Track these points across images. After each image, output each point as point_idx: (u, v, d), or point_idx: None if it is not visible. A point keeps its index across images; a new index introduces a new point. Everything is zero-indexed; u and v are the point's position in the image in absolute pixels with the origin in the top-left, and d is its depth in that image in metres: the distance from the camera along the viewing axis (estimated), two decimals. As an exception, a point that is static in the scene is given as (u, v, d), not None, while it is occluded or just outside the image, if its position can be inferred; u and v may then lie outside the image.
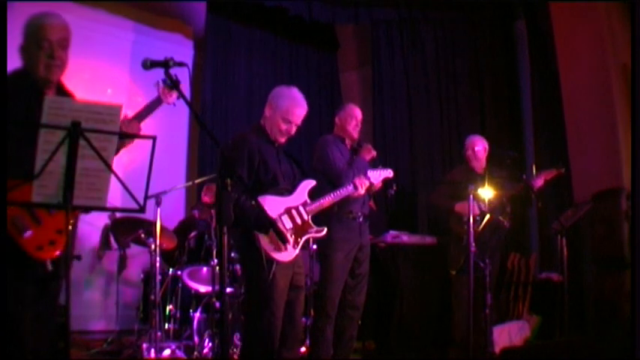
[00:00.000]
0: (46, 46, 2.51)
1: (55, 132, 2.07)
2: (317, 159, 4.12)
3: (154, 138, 2.23)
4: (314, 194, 3.52)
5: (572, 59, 5.75)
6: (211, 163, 6.16)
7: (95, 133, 2.13)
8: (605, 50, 5.49)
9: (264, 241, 3.17)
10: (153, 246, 4.45)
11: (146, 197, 2.25)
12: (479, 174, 4.96)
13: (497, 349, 4.58)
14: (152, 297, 4.42)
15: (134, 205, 2.21)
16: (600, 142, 5.45)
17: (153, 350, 4.31)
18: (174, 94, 2.74)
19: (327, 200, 3.62)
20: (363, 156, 4.17)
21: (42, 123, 2.07)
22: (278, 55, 7.23)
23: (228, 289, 4.47)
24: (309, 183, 3.48)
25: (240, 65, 6.86)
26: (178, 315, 4.81)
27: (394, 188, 4.37)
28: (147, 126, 2.73)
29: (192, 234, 5.27)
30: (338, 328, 4.06)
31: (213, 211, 4.86)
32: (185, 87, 2.57)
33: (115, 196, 2.29)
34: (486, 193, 4.52)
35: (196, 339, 4.52)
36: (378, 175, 4.01)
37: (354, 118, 4.25)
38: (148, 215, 3.18)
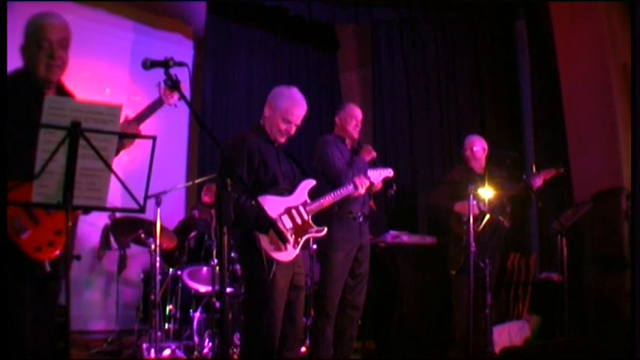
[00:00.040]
0: (46, 46, 2.51)
1: (55, 132, 2.07)
2: (317, 159, 4.12)
3: (154, 138, 2.23)
4: (314, 194, 3.52)
5: (572, 59, 5.75)
6: (211, 163, 6.16)
7: (95, 133, 2.13)
8: (605, 50, 5.49)
9: (264, 241, 3.17)
10: (153, 246, 4.45)
11: (146, 197, 2.25)
12: (478, 174, 4.96)
13: (497, 349, 4.58)
14: (152, 297, 4.42)
15: (134, 205, 2.21)
16: (600, 142, 5.45)
17: (153, 350, 4.31)
18: (176, 95, 2.74)
19: (327, 200, 3.62)
20: (363, 157, 4.17)
21: (42, 123, 2.07)
22: (278, 55, 7.23)
23: (228, 289, 4.47)
24: (309, 183, 3.48)
25: (240, 65, 6.86)
26: (178, 315, 4.81)
27: (394, 188, 4.37)
28: (147, 126, 2.72)
29: (192, 234, 5.27)
30: (338, 328, 4.06)
31: (213, 211, 4.86)
32: (185, 87, 2.57)
33: (115, 196, 2.29)
34: (486, 193, 4.52)
35: (196, 339, 4.52)
36: (378, 175, 4.01)
37: (354, 118, 4.24)
38: (148, 215, 3.18)
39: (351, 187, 3.78)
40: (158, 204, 4.42)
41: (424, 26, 6.89)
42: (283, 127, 3.36)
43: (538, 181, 4.83)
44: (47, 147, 2.07)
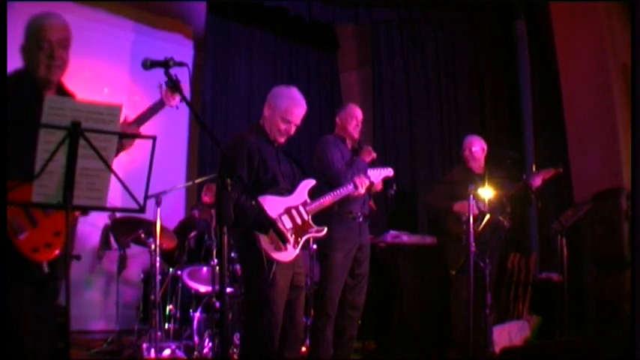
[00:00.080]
0: (46, 47, 2.52)
1: (55, 132, 2.07)
2: (317, 159, 4.12)
3: (154, 138, 2.23)
4: (314, 194, 3.52)
5: (572, 59, 5.75)
6: (211, 163, 6.16)
7: (95, 133, 2.13)
8: (605, 50, 5.49)
9: (264, 241, 3.17)
10: (153, 246, 4.45)
11: (146, 197, 2.25)
12: (477, 174, 4.96)
13: (497, 349, 4.58)
14: (152, 297, 4.42)
15: (134, 205, 2.21)
16: (600, 142, 5.45)
17: (153, 350, 4.30)
18: (177, 97, 2.74)
19: (327, 200, 3.62)
20: (363, 157, 4.17)
21: (42, 123, 2.07)
22: (278, 55, 7.23)
23: (228, 289, 4.47)
24: (309, 182, 3.48)
25: (240, 65, 6.86)
26: (178, 315, 4.81)
27: (394, 188, 4.37)
28: (147, 126, 2.72)
29: (192, 234, 5.27)
30: (338, 328, 4.05)
31: (213, 211, 4.86)
32: (185, 87, 2.57)
33: (115, 196, 2.29)
34: (486, 193, 4.52)
35: (196, 339, 4.52)
36: (379, 174, 4.00)
37: (354, 118, 4.24)
38: (148, 215, 3.18)
39: (351, 187, 3.78)
40: (158, 204, 4.41)
41: (424, 26, 6.89)
42: (283, 127, 3.36)
43: (537, 181, 4.83)
44: (47, 147, 2.07)
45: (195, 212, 5.55)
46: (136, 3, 6.47)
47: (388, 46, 6.97)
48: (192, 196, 6.49)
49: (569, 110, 5.77)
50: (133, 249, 5.38)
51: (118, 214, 4.97)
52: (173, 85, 2.55)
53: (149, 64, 2.43)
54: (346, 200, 3.90)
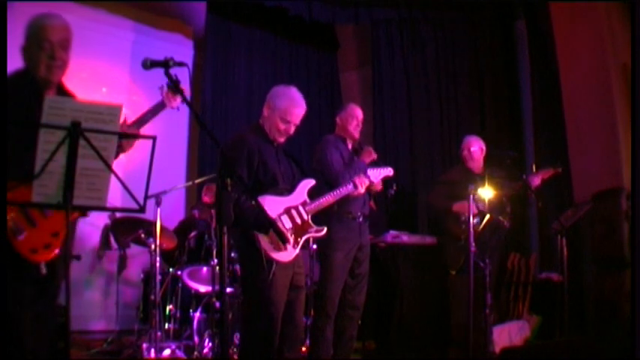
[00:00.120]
0: (46, 47, 2.52)
1: (55, 132, 2.07)
2: (316, 160, 4.12)
3: (154, 138, 2.23)
4: (313, 194, 3.52)
5: (572, 59, 5.75)
6: (211, 163, 6.16)
7: (95, 133, 2.13)
8: (605, 50, 5.49)
9: (263, 241, 3.17)
10: (153, 246, 4.45)
11: (146, 197, 2.25)
12: (476, 174, 4.97)
13: (497, 349, 4.58)
14: (152, 297, 4.42)
15: (134, 205, 2.21)
16: (600, 142, 5.45)
17: (153, 350, 4.31)
18: (178, 99, 2.74)
19: (326, 199, 3.61)
20: (362, 158, 4.17)
21: (42, 123, 2.07)
22: (278, 55, 7.23)
23: (228, 289, 4.47)
24: (309, 182, 3.48)
25: (240, 65, 6.86)
26: (178, 315, 4.81)
27: (394, 188, 4.36)
28: (147, 126, 2.73)
29: (192, 234, 5.27)
30: (338, 328, 4.05)
31: (213, 211, 4.86)
32: (185, 87, 2.57)
33: (115, 196, 2.29)
34: (486, 193, 4.52)
35: (196, 339, 4.52)
36: (378, 174, 4.00)
37: (355, 118, 4.24)
38: (148, 215, 3.18)
39: (350, 187, 3.77)
40: (158, 204, 4.41)
41: (424, 26, 6.89)
42: (282, 126, 3.36)
43: (536, 181, 4.84)
44: (47, 147, 2.07)
45: (195, 212, 5.55)
46: (136, 3, 6.47)
47: (388, 46, 6.97)
48: (192, 196, 6.49)
49: (569, 110, 5.77)
50: (133, 249, 5.38)
51: (118, 214, 4.97)
52: (174, 87, 2.55)
53: (149, 64, 2.43)
54: (346, 200, 3.90)
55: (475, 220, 4.03)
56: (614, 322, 4.72)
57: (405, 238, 5.44)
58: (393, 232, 5.40)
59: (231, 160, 3.16)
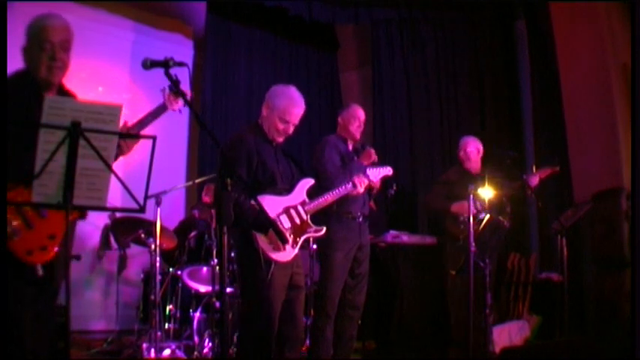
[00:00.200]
0: (47, 48, 2.52)
1: (55, 132, 2.07)
2: (315, 160, 4.12)
3: (154, 138, 2.23)
4: (313, 193, 3.51)
5: (572, 59, 5.75)
6: (211, 163, 6.16)
7: (95, 133, 2.13)
8: (605, 50, 5.50)
9: (262, 241, 3.16)
10: (153, 246, 4.45)
11: (146, 197, 2.25)
12: (474, 174, 4.97)
13: (497, 349, 4.57)
14: (152, 297, 4.42)
15: (134, 205, 2.21)
16: (600, 142, 5.45)
17: (153, 350, 4.30)
18: (180, 101, 2.74)
19: (325, 199, 3.61)
20: (362, 160, 4.16)
21: (42, 123, 2.07)
22: (278, 55, 7.23)
23: (228, 289, 4.47)
24: (308, 182, 3.47)
25: (240, 65, 6.86)
26: (178, 315, 4.81)
27: (394, 188, 4.37)
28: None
29: (192, 234, 5.27)
30: (338, 328, 4.05)
31: (213, 211, 4.86)
32: (185, 87, 2.56)
33: (115, 196, 2.29)
34: (486, 193, 4.53)
35: (196, 339, 4.52)
36: (378, 173, 3.99)
37: (356, 118, 4.24)
38: (148, 215, 3.18)
39: (349, 186, 3.77)
40: (158, 204, 4.41)
41: (424, 26, 6.89)
42: (281, 126, 3.35)
43: (534, 180, 4.85)
44: (47, 147, 2.07)
45: (195, 212, 5.55)
46: (136, 3, 6.47)
47: (388, 46, 6.97)
48: (192, 196, 6.49)
49: (569, 110, 5.77)
50: (133, 249, 5.37)
51: (118, 214, 4.97)
52: (176, 90, 2.55)
53: (149, 64, 2.43)
54: (346, 200, 3.89)
55: (475, 220, 4.03)
56: (614, 322, 4.72)
57: (405, 238, 5.44)
58: (393, 232, 5.40)
59: (230, 159, 3.16)
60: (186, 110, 2.75)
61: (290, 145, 3.58)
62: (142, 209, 2.23)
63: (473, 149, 5.10)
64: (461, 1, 6.64)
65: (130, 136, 2.54)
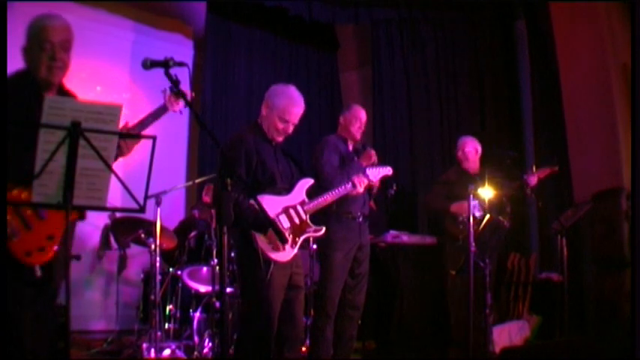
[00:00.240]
0: (47, 48, 2.52)
1: (55, 132, 2.07)
2: (314, 160, 4.12)
3: (154, 138, 2.23)
4: (312, 193, 3.51)
5: (572, 59, 5.75)
6: (211, 163, 6.16)
7: (95, 133, 2.13)
8: (605, 50, 5.50)
9: (261, 240, 3.15)
10: (153, 246, 4.45)
11: (146, 197, 2.25)
12: (472, 175, 4.97)
13: (497, 349, 4.58)
14: (152, 297, 4.42)
15: (134, 205, 2.21)
16: (600, 142, 5.45)
17: (153, 350, 4.30)
18: (181, 103, 2.74)
19: (325, 199, 3.60)
20: (361, 161, 4.15)
21: (42, 123, 2.07)
22: (278, 55, 7.23)
23: (228, 289, 4.47)
24: (307, 182, 3.46)
25: (240, 65, 6.86)
26: (178, 315, 4.81)
27: (394, 188, 4.36)
28: (147, 126, 2.72)
29: (192, 234, 5.27)
30: (338, 328, 4.05)
31: (213, 211, 4.86)
32: (185, 87, 2.56)
33: (115, 196, 2.29)
34: (486, 193, 4.53)
35: (196, 339, 4.52)
36: (377, 173, 3.99)
37: (358, 119, 4.24)
38: (148, 215, 3.18)
39: (349, 186, 3.76)
40: (158, 204, 4.41)
41: (424, 26, 6.89)
42: (281, 126, 3.34)
43: (533, 180, 4.85)
44: (47, 147, 2.07)
45: (195, 212, 5.55)
46: (136, 3, 6.47)
47: (388, 46, 6.97)
48: (192, 196, 6.49)
49: (569, 110, 5.77)
50: (133, 249, 5.37)
51: (118, 214, 4.97)
52: (177, 91, 2.55)
53: (149, 64, 2.43)
54: (346, 200, 3.89)
55: (475, 220, 4.03)
56: (614, 322, 4.72)
57: (405, 238, 5.44)
58: (393, 232, 5.40)
59: (230, 159, 3.16)
60: (186, 110, 2.75)
61: (290, 145, 3.58)
62: (142, 209, 2.23)
63: (471, 149, 5.11)
64: (461, 1, 6.64)
65: (130, 136, 2.54)
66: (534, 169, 5.18)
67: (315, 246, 4.46)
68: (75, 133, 2.08)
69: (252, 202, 3.06)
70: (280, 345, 3.24)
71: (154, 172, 2.24)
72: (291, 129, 3.39)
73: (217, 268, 4.32)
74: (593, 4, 5.53)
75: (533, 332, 5.29)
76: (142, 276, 5.14)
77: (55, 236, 2.42)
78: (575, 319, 4.97)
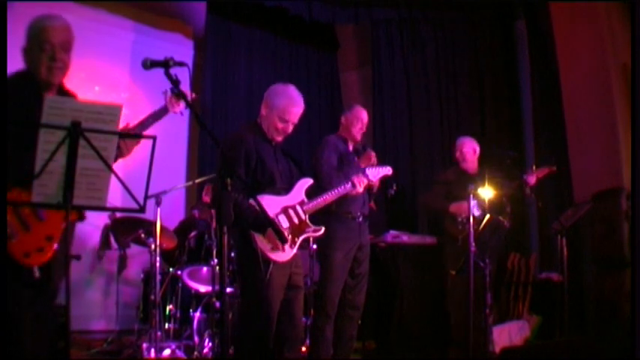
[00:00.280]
0: (48, 49, 2.52)
1: (55, 132, 2.07)
2: (314, 160, 4.12)
3: (154, 138, 2.23)
4: (312, 193, 3.50)
5: (572, 59, 5.75)
6: (211, 163, 6.15)
7: (95, 133, 2.13)
8: (605, 50, 5.50)
9: (260, 241, 3.15)
10: (153, 246, 4.45)
11: (146, 197, 2.25)
12: (471, 175, 4.98)
13: (497, 349, 4.58)
14: (152, 297, 4.42)
15: (134, 205, 2.21)
16: (600, 142, 5.45)
17: (153, 350, 4.30)
18: (182, 104, 2.73)
19: (324, 199, 3.59)
20: (360, 162, 4.15)
21: (42, 123, 2.07)
22: (278, 55, 7.23)
23: (229, 289, 4.47)
24: (307, 182, 3.46)
25: (240, 65, 6.86)
26: (178, 315, 4.81)
27: (394, 188, 4.36)
28: (147, 126, 2.72)
29: (192, 234, 5.27)
30: (338, 328, 4.05)
31: (213, 211, 4.86)
32: (185, 87, 2.56)
33: (115, 196, 2.29)
34: (485, 192, 4.53)
35: (196, 339, 4.52)
36: (377, 173, 3.98)
37: (360, 121, 4.24)
38: (148, 215, 3.17)
39: (349, 186, 3.75)
40: (158, 204, 4.41)
41: (424, 26, 6.89)
42: (280, 125, 3.33)
43: (532, 179, 4.85)
44: (47, 147, 2.07)
45: (195, 212, 5.55)
46: (136, 3, 6.47)
47: (388, 46, 6.97)
48: (192, 196, 6.49)
49: (569, 110, 5.77)
50: (133, 249, 5.38)
51: (118, 214, 4.97)
52: (178, 92, 2.54)
53: (149, 64, 2.43)
54: (346, 200, 3.89)
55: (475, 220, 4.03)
56: (614, 322, 4.72)
57: (405, 238, 5.44)
58: (393, 232, 5.40)
59: (229, 159, 3.15)
60: (186, 111, 2.75)
61: (290, 145, 3.57)
62: (142, 209, 2.23)
63: (469, 149, 5.11)
64: (461, 1, 6.64)
65: (129, 135, 2.54)
66: (534, 169, 5.18)
67: (315, 246, 4.46)
68: (75, 133, 2.08)
69: (251, 202, 3.06)
70: (280, 345, 3.24)
71: (154, 172, 2.24)
72: (290, 129, 3.38)
73: (217, 268, 4.32)
74: (593, 4, 5.53)
75: (533, 332, 5.29)
76: (142, 276, 5.14)
77: (54, 237, 2.42)
78: (575, 319, 4.97)
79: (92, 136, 2.12)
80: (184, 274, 4.80)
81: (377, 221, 5.20)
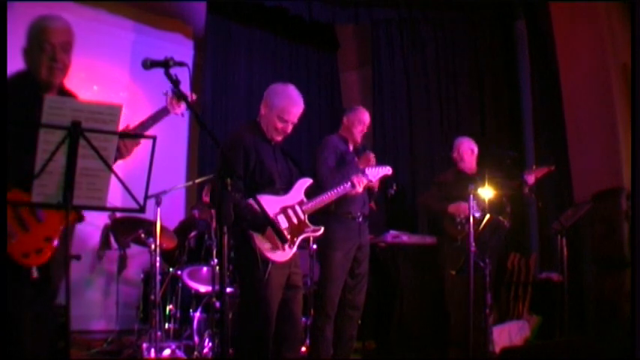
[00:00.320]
0: (48, 49, 2.52)
1: (55, 132, 2.07)
2: (314, 160, 4.12)
3: (154, 138, 2.23)
4: (311, 193, 3.50)
5: (572, 59, 5.75)
6: (211, 163, 6.15)
7: (95, 133, 2.13)
8: (605, 50, 5.50)
9: (259, 240, 3.15)
10: (153, 246, 4.45)
11: (146, 197, 2.25)
12: (469, 175, 4.97)
13: (497, 349, 4.58)
14: (152, 297, 4.42)
15: (134, 205, 2.21)
16: (600, 142, 5.45)
17: (153, 350, 4.30)
18: (183, 105, 2.73)
19: (323, 199, 3.59)
20: (360, 163, 4.15)
21: (42, 123, 2.07)
22: (278, 55, 7.23)
23: (228, 289, 4.47)
24: (306, 182, 3.46)
25: (240, 65, 6.86)
26: (178, 315, 4.81)
27: (394, 188, 4.36)
28: (147, 126, 2.72)
29: (192, 234, 5.27)
30: (338, 328, 4.05)
31: (213, 211, 4.86)
32: (185, 87, 2.56)
33: (115, 196, 2.29)
34: (485, 193, 4.53)
35: (196, 339, 4.52)
36: (377, 173, 3.99)
37: (361, 122, 4.23)
38: (148, 215, 3.18)
39: (348, 186, 3.75)
40: (158, 204, 4.42)
41: (424, 26, 6.89)
42: (280, 125, 3.33)
43: (530, 178, 4.85)
44: (47, 147, 2.07)
45: (195, 212, 5.55)
46: (136, 3, 6.47)
47: (388, 46, 6.97)
48: (192, 196, 6.49)
49: (569, 110, 5.77)
50: (133, 249, 5.37)
51: (118, 214, 4.97)
52: (179, 94, 2.54)
53: (149, 64, 2.42)
54: (345, 200, 3.89)
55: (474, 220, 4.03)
56: (614, 322, 4.72)
57: (405, 238, 5.44)
58: (393, 232, 5.40)
59: (229, 159, 3.15)
60: (187, 112, 2.75)
61: (289, 145, 3.57)
62: (142, 209, 2.23)
63: (466, 149, 5.11)
64: (461, 1, 6.64)
65: (130, 135, 2.54)
66: (534, 168, 5.18)
67: (314, 246, 4.46)
68: (75, 133, 2.08)
69: (250, 201, 3.05)
70: (279, 345, 3.24)
71: (154, 172, 2.24)
72: (290, 128, 3.38)
73: (217, 268, 4.32)
74: (593, 4, 5.53)
75: (533, 332, 5.29)
76: (142, 276, 5.14)
77: (53, 238, 2.42)
78: (575, 319, 4.97)
79: (92, 136, 2.12)
80: (184, 274, 4.79)
81: (377, 221, 5.20)
